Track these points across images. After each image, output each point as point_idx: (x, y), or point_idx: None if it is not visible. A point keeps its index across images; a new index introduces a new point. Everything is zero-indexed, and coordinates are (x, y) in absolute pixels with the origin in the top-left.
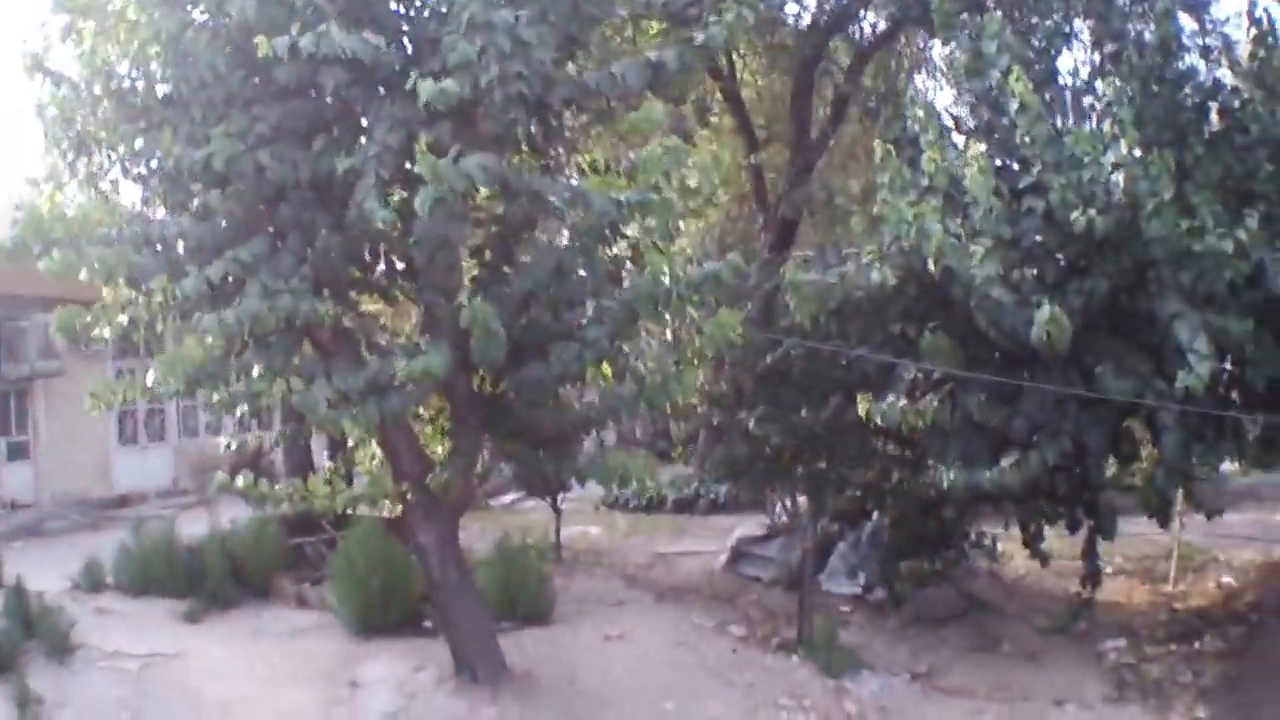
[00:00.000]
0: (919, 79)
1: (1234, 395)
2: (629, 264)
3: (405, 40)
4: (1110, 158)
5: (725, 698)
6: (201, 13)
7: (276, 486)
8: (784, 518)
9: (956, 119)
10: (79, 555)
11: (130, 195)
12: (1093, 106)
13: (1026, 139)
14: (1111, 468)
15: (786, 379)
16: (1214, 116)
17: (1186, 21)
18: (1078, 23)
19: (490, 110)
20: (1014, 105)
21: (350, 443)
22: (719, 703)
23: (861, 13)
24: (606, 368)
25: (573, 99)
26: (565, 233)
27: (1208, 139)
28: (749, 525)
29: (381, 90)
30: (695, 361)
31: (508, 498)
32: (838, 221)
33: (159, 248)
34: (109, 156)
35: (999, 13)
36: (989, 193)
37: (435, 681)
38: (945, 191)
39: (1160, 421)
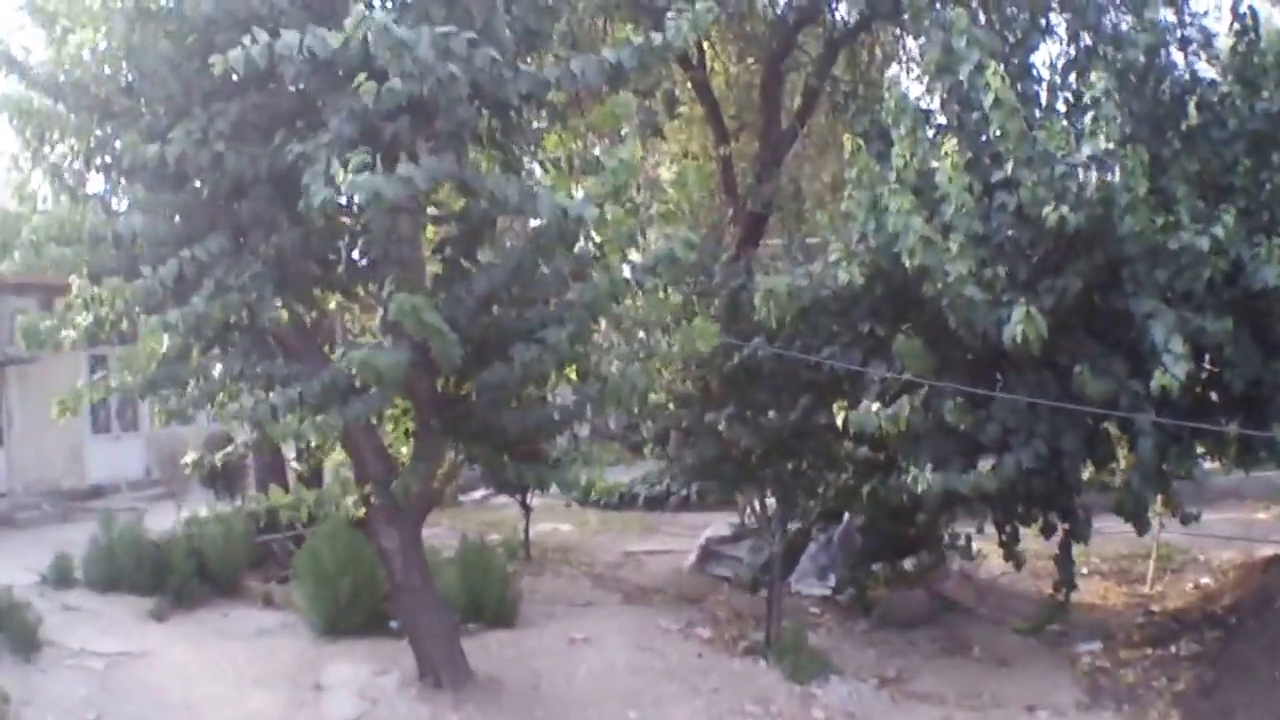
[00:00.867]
0: (891, 72)
1: (1212, 396)
2: (594, 262)
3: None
4: (1085, 152)
5: (690, 705)
6: (158, 4)
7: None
8: (753, 520)
9: (927, 113)
10: (49, 547)
11: (95, 186)
12: (1068, 101)
13: (998, 134)
14: (1088, 470)
15: (755, 379)
16: (1191, 110)
17: (1165, 14)
18: (1054, 16)
19: (443, 109)
20: (988, 100)
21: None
22: (684, 710)
23: (833, 3)
24: (571, 369)
25: (531, 94)
26: (528, 232)
27: (1185, 133)
28: (719, 524)
29: (341, 81)
30: (660, 366)
31: (478, 493)
32: (807, 215)
33: (117, 245)
34: (71, 147)
35: (968, 7)
36: (962, 188)
37: (399, 685)
38: (914, 186)
39: (1136, 424)
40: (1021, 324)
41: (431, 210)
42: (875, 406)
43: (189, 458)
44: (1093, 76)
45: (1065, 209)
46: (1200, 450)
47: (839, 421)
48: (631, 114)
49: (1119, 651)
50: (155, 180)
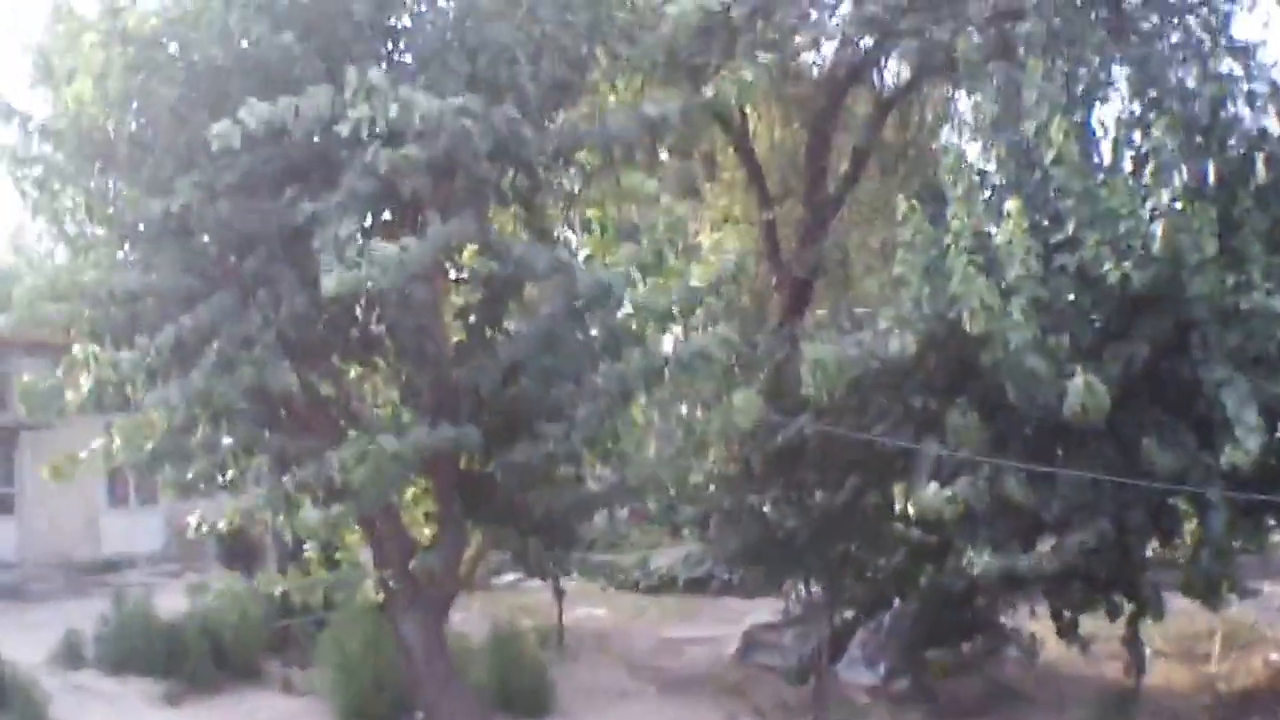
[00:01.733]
0: (944, 132)
1: None
2: (629, 336)
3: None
4: (1149, 209)
5: None
6: (165, 53)
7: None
8: (799, 606)
9: (983, 173)
10: (61, 623)
11: (97, 238)
12: (1133, 158)
13: (1059, 192)
14: (1152, 546)
15: (800, 458)
16: (1261, 167)
17: (1232, 67)
18: (1116, 70)
19: (463, 166)
20: (1049, 156)
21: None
22: None
23: (883, 62)
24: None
25: (561, 152)
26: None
27: (1255, 190)
28: (762, 610)
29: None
30: (700, 446)
31: (510, 576)
32: (855, 282)
33: (118, 302)
34: (74, 198)
35: (1039, 59)
36: (1025, 251)
37: None
38: (971, 250)
39: (1206, 498)
40: (1081, 396)
41: (454, 274)
42: (934, 487)
43: (192, 520)
44: (1154, 129)
45: (1128, 266)
46: (1273, 521)
47: (896, 503)
48: (655, 195)
49: None
50: (159, 234)
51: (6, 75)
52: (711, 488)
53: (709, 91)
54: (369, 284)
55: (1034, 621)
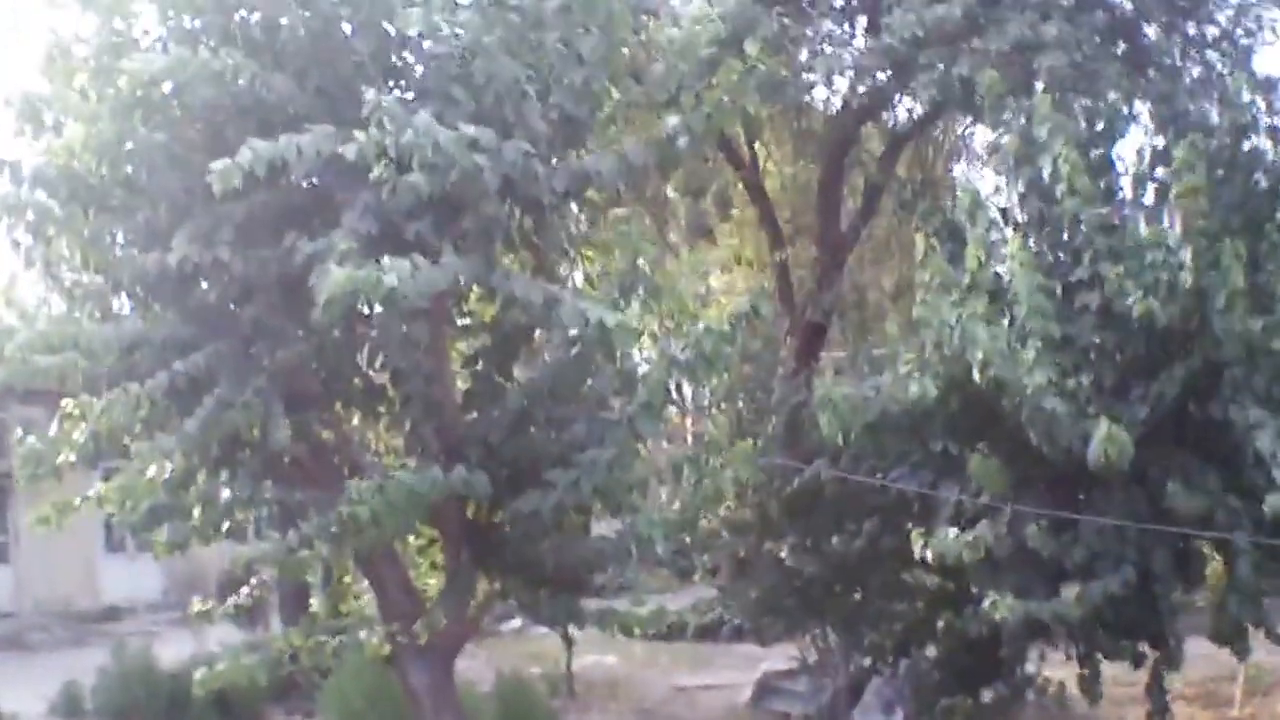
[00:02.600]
0: (959, 167)
1: None
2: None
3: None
4: (1173, 240)
5: None
6: (159, 91)
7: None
8: (814, 653)
9: (1004, 210)
10: (61, 673)
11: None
12: (1156, 191)
13: (1079, 226)
14: (1177, 591)
15: (818, 503)
16: None
17: (1256, 101)
18: (1138, 104)
19: (471, 206)
20: (1060, 189)
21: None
22: None
23: (897, 96)
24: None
25: (569, 191)
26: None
27: None
28: (775, 657)
29: (357, 176)
30: (713, 494)
31: (516, 623)
32: (871, 324)
33: (113, 353)
34: (67, 246)
35: (1050, 94)
36: (1032, 289)
37: None
38: (990, 290)
39: (1234, 542)
40: (1104, 444)
41: (462, 321)
42: (953, 532)
43: (197, 602)
44: (1176, 162)
45: (1154, 301)
46: None
47: (915, 549)
48: (638, 244)
49: None
50: (155, 284)
51: None
52: (725, 535)
53: (706, 107)
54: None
55: (1057, 668)
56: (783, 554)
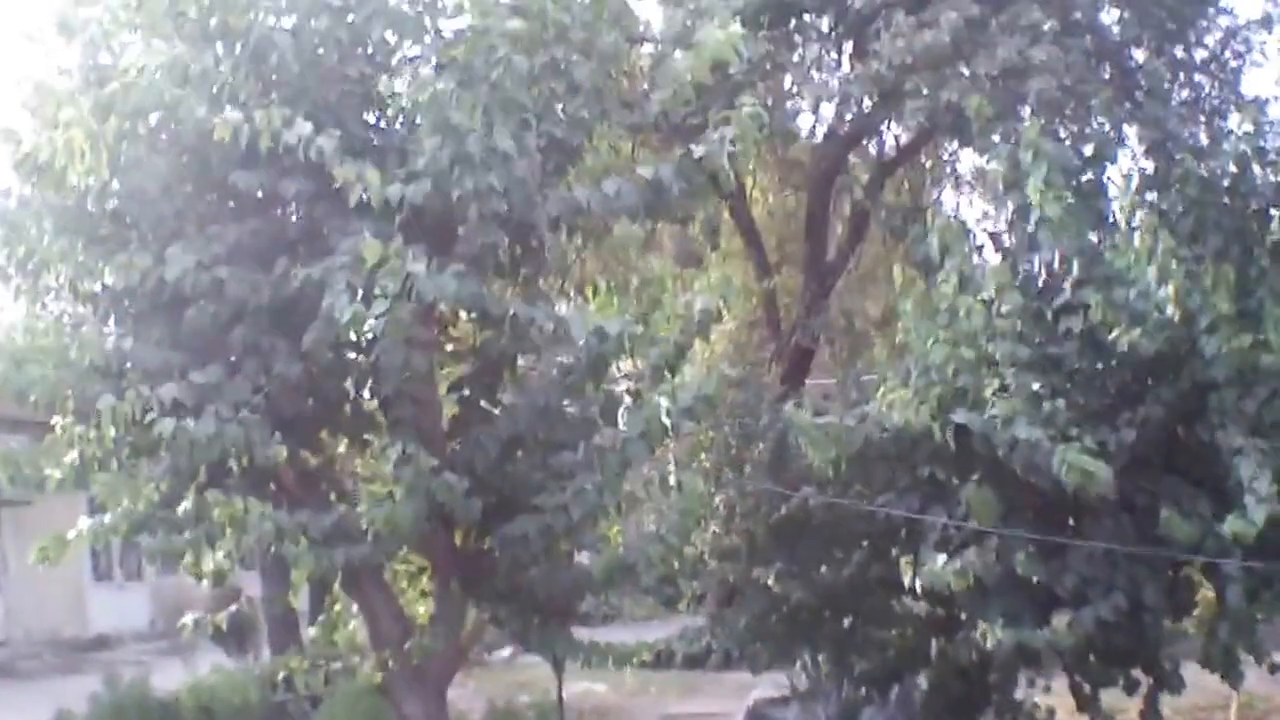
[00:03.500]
0: (947, 193)
1: None
2: (626, 401)
3: (370, 150)
4: (1153, 271)
5: None
6: (146, 123)
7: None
8: (805, 681)
9: (993, 235)
10: (52, 702)
11: (81, 316)
12: (1144, 219)
13: (1052, 252)
14: (1169, 619)
15: (804, 530)
16: (1276, 225)
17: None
18: (1126, 129)
19: (466, 229)
20: (1034, 216)
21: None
22: None
23: (885, 123)
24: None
25: (559, 218)
26: (554, 368)
27: (1272, 248)
28: (764, 685)
29: (349, 205)
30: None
31: (506, 651)
32: (858, 350)
33: (104, 375)
34: (56, 275)
35: (1039, 119)
36: (1011, 314)
37: None
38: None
39: (1223, 569)
40: (1068, 473)
41: (449, 346)
42: (942, 560)
43: (188, 618)
44: (1166, 189)
45: (1137, 333)
46: None
47: (904, 577)
48: (640, 239)
49: None
50: (146, 306)
51: None
52: (712, 562)
53: (699, 150)
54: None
55: (1049, 696)
56: (770, 581)
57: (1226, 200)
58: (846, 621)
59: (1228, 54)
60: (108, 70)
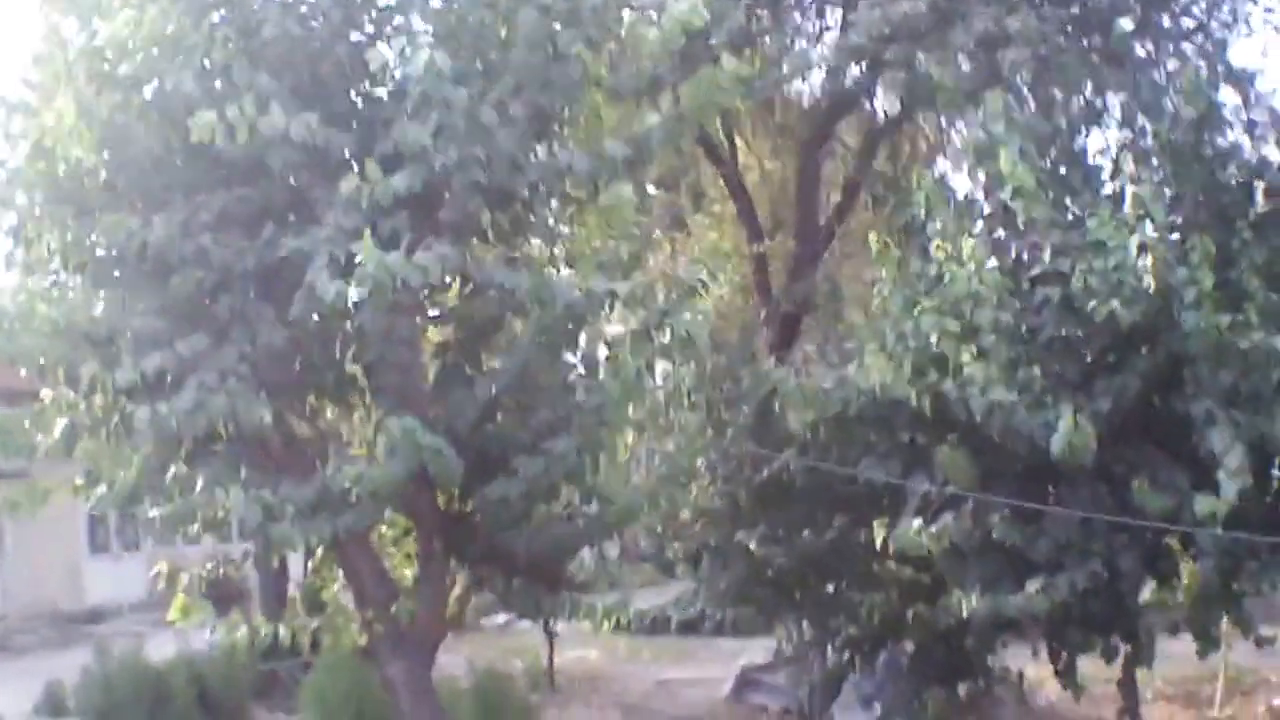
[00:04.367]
0: (940, 163)
1: None
2: (604, 364)
3: (358, 122)
4: (1135, 241)
5: None
6: (139, 94)
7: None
8: (790, 646)
9: (971, 202)
10: (45, 674)
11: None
12: (1122, 187)
13: (1031, 222)
14: (1149, 589)
15: (787, 494)
16: (1259, 197)
17: (1230, 95)
18: (1110, 98)
19: (449, 199)
20: (1009, 187)
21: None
22: None
23: (874, 91)
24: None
25: (542, 183)
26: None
27: (1254, 221)
28: (756, 650)
29: (335, 174)
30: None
31: (501, 618)
32: (844, 315)
33: (93, 343)
34: (48, 245)
35: (1016, 91)
36: (991, 283)
37: None
38: (954, 283)
39: (1199, 542)
40: (1068, 436)
41: (433, 311)
42: (917, 523)
43: (184, 578)
44: (1130, 164)
45: (1116, 304)
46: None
47: (879, 541)
48: (632, 202)
49: None
50: (134, 274)
51: None
52: (699, 524)
53: (682, 100)
54: (353, 299)
55: (1031, 667)
56: (752, 545)
57: (1213, 173)
58: (829, 586)
59: (1214, 23)
60: (101, 43)
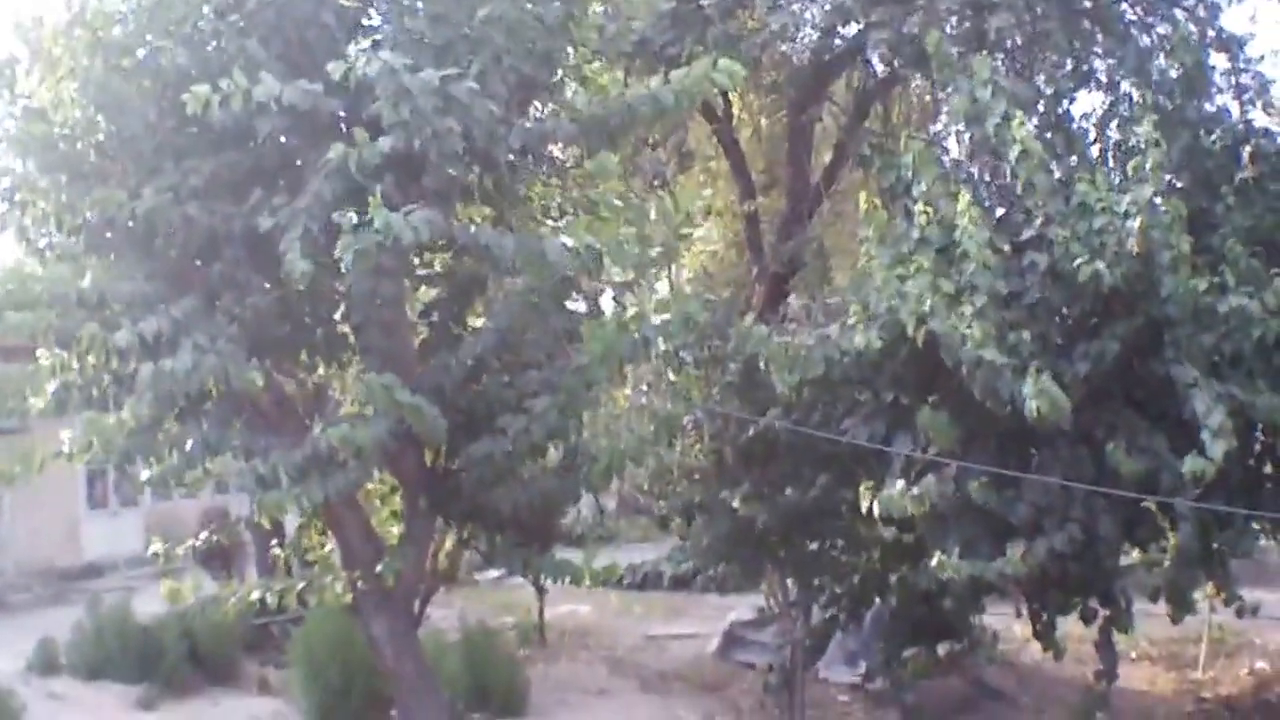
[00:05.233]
0: (935, 126)
1: (1267, 468)
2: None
3: (345, 87)
4: (1125, 202)
5: None
6: (132, 59)
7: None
8: (776, 604)
9: (958, 163)
10: (39, 631)
11: (64, 250)
12: (1106, 151)
13: (1026, 188)
14: (1130, 553)
15: (772, 453)
16: (1245, 161)
17: (1219, 60)
18: (1096, 63)
19: (430, 166)
20: (1013, 153)
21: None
22: None
23: (865, 52)
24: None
25: (526, 148)
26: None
27: (1238, 186)
28: (745, 607)
29: (323, 139)
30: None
31: (494, 573)
32: (830, 276)
33: (84, 308)
34: (42, 210)
35: (1005, 55)
36: (981, 245)
37: None
38: (940, 245)
39: (1177, 507)
40: (1035, 398)
41: (420, 272)
42: (900, 486)
43: (184, 545)
44: (1141, 127)
45: (1100, 265)
46: (1256, 527)
47: (863, 502)
48: (617, 171)
49: None
50: (124, 240)
51: None
52: (685, 482)
53: (687, 79)
54: (340, 261)
55: (1016, 625)
56: (736, 503)
57: (1198, 137)
58: (812, 545)
59: None
60: (90, 15)
